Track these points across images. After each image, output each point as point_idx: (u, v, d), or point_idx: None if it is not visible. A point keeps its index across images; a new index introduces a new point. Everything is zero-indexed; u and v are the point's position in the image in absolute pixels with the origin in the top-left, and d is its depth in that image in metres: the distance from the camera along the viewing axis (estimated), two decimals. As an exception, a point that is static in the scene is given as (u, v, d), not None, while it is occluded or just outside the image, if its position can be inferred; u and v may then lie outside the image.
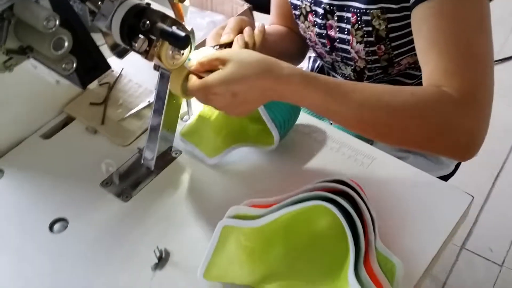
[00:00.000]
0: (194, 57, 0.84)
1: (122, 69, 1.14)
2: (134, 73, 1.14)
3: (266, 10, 1.30)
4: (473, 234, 1.90)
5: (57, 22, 0.65)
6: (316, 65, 1.31)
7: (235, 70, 0.77)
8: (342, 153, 0.96)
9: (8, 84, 0.97)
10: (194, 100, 0.85)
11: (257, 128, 0.95)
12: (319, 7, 1.04)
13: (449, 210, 0.87)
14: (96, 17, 0.75)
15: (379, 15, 0.95)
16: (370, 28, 0.97)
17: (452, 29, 0.82)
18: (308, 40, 1.14)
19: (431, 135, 0.81)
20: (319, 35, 1.08)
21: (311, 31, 1.09)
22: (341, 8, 1.00)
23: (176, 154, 0.98)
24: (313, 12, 1.06)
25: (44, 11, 0.64)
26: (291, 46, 1.19)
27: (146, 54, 0.78)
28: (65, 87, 0.89)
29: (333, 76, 1.19)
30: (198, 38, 1.46)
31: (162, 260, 0.83)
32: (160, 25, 0.76)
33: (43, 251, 0.86)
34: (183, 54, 0.83)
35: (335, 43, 1.06)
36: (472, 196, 0.88)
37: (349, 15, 0.99)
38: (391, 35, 0.97)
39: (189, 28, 0.81)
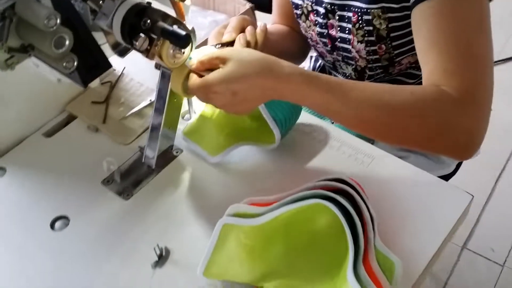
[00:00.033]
0: (195, 56, 0.84)
1: (124, 68, 1.14)
2: (136, 72, 1.14)
3: (268, 10, 1.30)
4: (474, 234, 1.90)
5: (58, 21, 0.66)
6: (318, 64, 1.32)
7: (235, 69, 0.78)
8: (343, 152, 0.96)
9: (11, 82, 0.97)
10: (195, 99, 0.86)
11: (258, 127, 0.95)
12: (320, 6, 1.04)
13: (449, 209, 0.87)
14: (97, 16, 0.76)
15: (380, 14, 0.95)
16: (371, 28, 0.97)
17: (452, 29, 0.82)
18: (309, 40, 1.15)
19: (430, 134, 0.81)
20: (320, 34, 1.08)
21: (312, 31, 1.10)
22: (342, 7, 1.00)
23: (177, 152, 0.98)
24: (314, 12, 1.06)
25: (45, 9, 0.65)
26: (292, 45, 1.19)
27: (147, 53, 0.78)
28: (67, 86, 0.89)
29: (334, 75, 1.19)
30: (200, 37, 1.46)
31: (162, 258, 0.83)
32: (161, 24, 0.77)
33: (44, 248, 0.86)
34: (184, 53, 0.83)
35: (336, 43, 1.06)
36: (472, 195, 0.89)
37: (350, 14, 0.99)
38: (391, 35, 0.97)
39: (190, 27, 0.81)
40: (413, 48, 0.91)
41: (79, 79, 0.76)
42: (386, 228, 0.82)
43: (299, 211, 0.77)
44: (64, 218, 0.90)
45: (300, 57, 1.26)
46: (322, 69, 1.29)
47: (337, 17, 1.02)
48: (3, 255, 0.86)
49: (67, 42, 0.69)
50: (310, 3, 1.06)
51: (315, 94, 0.80)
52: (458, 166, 1.24)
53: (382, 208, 0.86)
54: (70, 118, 1.08)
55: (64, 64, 0.70)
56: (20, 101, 1.01)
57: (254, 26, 0.94)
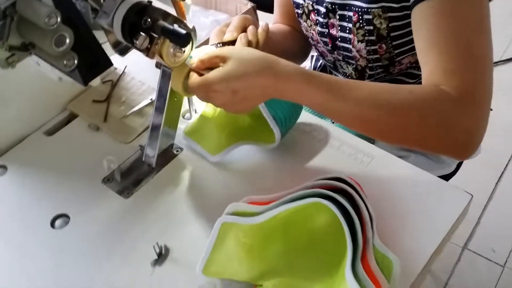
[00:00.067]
0: (195, 54, 0.84)
1: (125, 67, 1.15)
2: (137, 71, 1.15)
3: (270, 9, 1.31)
4: (475, 234, 1.89)
5: (59, 19, 0.66)
6: (319, 64, 1.32)
7: (235, 68, 0.78)
8: (342, 151, 0.96)
9: (12, 81, 0.98)
10: (195, 98, 0.86)
11: (259, 126, 0.96)
12: (321, 6, 1.04)
13: (448, 208, 0.87)
14: (98, 14, 0.76)
15: (380, 14, 0.95)
16: (371, 27, 0.98)
17: (451, 28, 0.83)
18: (310, 39, 1.15)
19: (430, 134, 0.81)
20: (321, 33, 1.08)
21: (313, 30, 1.10)
22: (343, 7, 1.00)
23: (177, 151, 0.99)
24: (315, 11, 1.06)
25: (46, 8, 0.65)
26: (294, 45, 1.20)
27: (147, 52, 0.79)
28: (68, 85, 0.90)
29: (335, 75, 1.19)
30: (202, 37, 1.46)
31: (162, 256, 0.83)
32: (162, 22, 0.77)
33: (45, 246, 0.87)
34: (184, 52, 0.83)
35: (337, 42, 1.06)
36: (471, 195, 0.89)
37: (351, 13, 0.99)
38: (392, 34, 0.97)
39: (190, 26, 0.81)
40: (414, 48, 0.91)
41: (80, 78, 0.76)
42: (385, 227, 0.82)
43: (298, 210, 0.77)
44: (64, 216, 0.91)
45: (301, 56, 1.26)
46: (323, 69, 1.29)
47: (337, 17, 1.02)
48: (3, 253, 0.86)
49: (67, 41, 0.70)
50: (311, 3, 1.06)
51: (315, 93, 0.80)
52: (459, 166, 1.24)
53: (381, 207, 0.86)
54: (71, 117, 1.08)
55: (65, 62, 0.71)
56: (21, 99, 1.02)
57: (256, 25, 0.95)
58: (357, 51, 1.03)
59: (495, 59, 2.47)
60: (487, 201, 1.98)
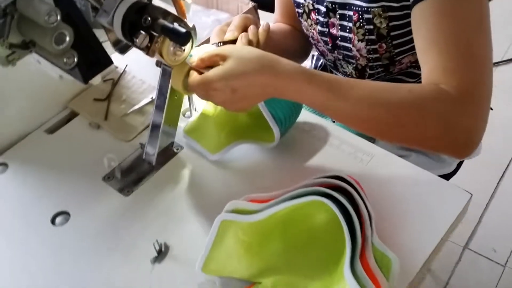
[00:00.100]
0: (196, 53, 0.85)
1: (126, 65, 1.15)
2: (138, 69, 1.15)
3: (271, 9, 1.31)
4: (476, 234, 1.89)
5: (59, 17, 0.66)
6: (319, 63, 1.32)
7: (235, 66, 0.78)
8: (342, 150, 0.97)
9: (13, 79, 0.98)
10: (196, 97, 0.86)
11: (258, 125, 0.96)
12: (322, 5, 1.05)
13: (448, 207, 0.87)
14: (98, 13, 0.76)
15: (380, 13, 0.95)
16: (371, 26, 0.98)
17: (451, 28, 0.83)
18: (310, 38, 1.15)
19: (429, 132, 0.81)
20: (321, 33, 1.09)
21: (314, 29, 1.10)
22: (343, 6, 1.01)
23: (177, 149, 0.99)
24: (316, 10, 1.07)
25: (46, 6, 0.65)
26: (294, 44, 1.20)
27: (147, 50, 0.79)
28: (69, 83, 0.90)
29: (335, 74, 1.19)
30: (203, 36, 1.46)
31: (161, 253, 0.84)
32: (161, 21, 0.77)
33: (45, 243, 0.87)
34: (184, 50, 0.84)
35: (337, 41, 1.06)
36: (471, 194, 0.89)
37: (351, 13, 0.99)
38: (392, 34, 0.98)
39: (190, 25, 0.82)
40: (414, 47, 0.91)
41: (80, 76, 0.77)
42: (384, 226, 0.83)
43: (297, 208, 0.77)
44: (65, 213, 0.91)
45: (302, 56, 1.26)
46: (324, 68, 1.29)
47: (338, 16, 1.02)
48: (4, 250, 0.87)
49: (67, 39, 0.70)
50: (311, 2, 1.07)
51: (314, 92, 0.80)
52: (459, 165, 1.24)
53: (381, 205, 0.86)
54: (72, 115, 1.08)
55: (65, 60, 0.71)
56: (22, 97, 1.02)
57: (257, 25, 0.95)
58: (357, 50, 1.03)
59: (496, 59, 2.47)
60: (488, 201, 1.98)
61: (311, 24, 1.10)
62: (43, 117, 1.07)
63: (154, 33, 0.78)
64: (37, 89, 1.03)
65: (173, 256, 0.84)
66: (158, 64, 0.87)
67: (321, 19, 1.06)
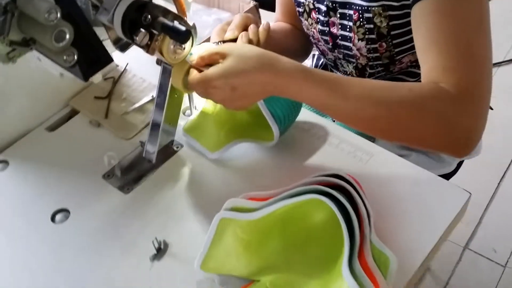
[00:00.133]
0: (196, 51, 0.85)
1: (127, 64, 1.16)
2: (139, 68, 1.15)
3: (272, 8, 1.31)
4: (476, 234, 1.89)
5: (59, 15, 0.67)
6: (320, 62, 1.32)
7: (234, 64, 0.78)
8: (341, 149, 0.97)
9: (14, 77, 0.99)
10: (196, 95, 0.87)
11: (258, 124, 0.96)
12: (322, 4, 1.05)
13: (447, 206, 0.87)
14: (99, 11, 0.77)
15: (380, 12, 0.95)
16: (371, 26, 0.98)
17: (451, 27, 0.83)
18: (311, 37, 1.15)
19: (428, 131, 0.81)
20: (321, 32, 1.09)
21: (314, 28, 1.10)
22: (344, 5, 1.01)
23: (177, 148, 0.99)
24: (316, 9, 1.07)
25: (46, 3, 0.66)
26: (295, 43, 1.20)
27: (147, 48, 0.79)
28: (70, 81, 0.91)
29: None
30: (204, 35, 1.47)
31: (161, 251, 0.84)
32: (162, 19, 0.77)
33: (45, 240, 0.87)
34: (184, 48, 0.84)
35: (337, 40, 1.06)
36: (470, 193, 0.89)
37: (351, 12, 0.99)
38: (392, 33, 0.98)
39: (191, 23, 0.82)
40: (414, 47, 0.91)
41: (80, 74, 0.77)
42: (383, 224, 0.83)
43: (296, 206, 0.77)
44: (64, 211, 0.91)
45: (302, 55, 1.26)
46: (324, 67, 1.29)
47: (338, 15, 1.02)
48: (5, 247, 0.87)
49: (67, 36, 0.70)
50: (311, 1, 1.07)
51: (314, 90, 0.80)
52: (459, 165, 1.24)
53: (380, 204, 0.86)
54: (73, 113, 1.09)
55: (65, 57, 0.71)
56: (23, 95, 1.03)
57: (257, 24, 0.95)
58: (358, 49, 1.03)
59: (498, 59, 2.47)
60: (488, 201, 1.97)
61: (312, 23, 1.10)
62: (43, 115, 1.07)
63: (154, 31, 0.78)
64: (38, 87, 1.03)
65: (172, 254, 0.84)
66: (158, 62, 0.88)
67: (322, 18, 1.06)
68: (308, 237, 0.80)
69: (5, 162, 1.00)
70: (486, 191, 2.00)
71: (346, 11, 1.01)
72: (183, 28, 0.77)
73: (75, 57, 0.73)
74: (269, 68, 0.79)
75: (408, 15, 0.92)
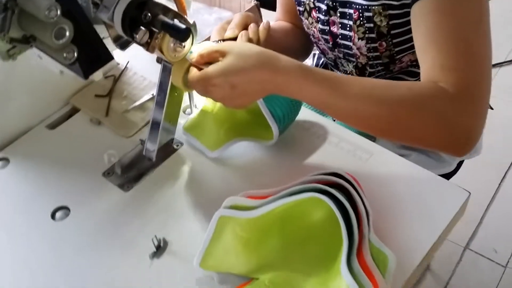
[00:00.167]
0: (196, 50, 0.85)
1: (128, 62, 1.16)
2: (140, 66, 1.16)
3: (273, 7, 1.31)
4: (477, 234, 1.89)
5: (59, 12, 0.67)
6: (321, 62, 1.32)
7: (234, 62, 0.78)
8: (341, 147, 0.97)
9: (16, 75, 0.99)
10: (196, 94, 0.87)
11: (257, 123, 0.96)
12: (322, 3, 1.05)
13: (446, 205, 0.87)
14: (99, 8, 0.77)
15: (380, 11, 0.96)
16: (371, 25, 0.98)
17: (450, 26, 0.83)
18: (311, 36, 1.15)
19: (427, 130, 0.82)
20: (322, 31, 1.09)
21: (314, 27, 1.10)
22: (344, 4, 1.01)
23: (177, 146, 0.99)
24: (317, 8, 1.07)
25: (46, 1, 0.66)
26: (295, 42, 1.20)
27: (147, 46, 0.79)
28: (71, 79, 0.91)
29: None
30: (205, 34, 1.47)
31: (160, 249, 0.84)
32: (162, 17, 0.78)
33: (45, 238, 0.87)
34: (184, 47, 0.84)
35: (338, 40, 1.06)
36: (469, 192, 0.89)
37: (351, 11, 1.00)
38: (392, 32, 0.98)
39: (191, 22, 0.82)
40: (414, 46, 0.91)
41: (81, 71, 0.77)
42: (382, 223, 0.83)
43: (295, 205, 0.77)
44: (65, 208, 0.91)
45: (303, 54, 1.27)
46: (325, 67, 1.29)
47: (338, 14, 1.02)
48: (5, 244, 0.88)
49: (67, 33, 0.70)
50: (312, 0, 1.07)
51: (313, 88, 0.80)
52: (459, 165, 1.24)
53: (379, 203, 0.86)
54: (74, 111, 1.09)
55: (64, 55, 0.72)
56: (24, 93, 1.03)
57: (258, 23, 0.95)
58: (358, 48, 1.04)
59: (500, 60, 2.47)
60: (489, 201, 1.97)
61: (312, 22, 1.10)
62: (44, 112, 1.07)
63: (154, 29, 0.79)
64: (39, 85, 1.04)
65: (171, 252, 0.84)
66: (158, 60, 0.88)
67: (322, 17, 1.06)
68: (307, 236, 0.80)
69: (6, 160, 1.00)
70: (487, 191, 2.00)
71: (346, 10, 1.01)
72: (183, 26, 0.77)
73: (75, 54, 0.73)
74: (269, 66, 0.79)
75: (408, 14, 0.92)
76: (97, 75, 0.83)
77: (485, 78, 0.83)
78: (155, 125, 0.94)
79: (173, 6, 0.85)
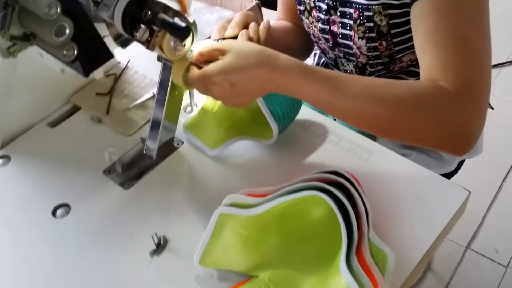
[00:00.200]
0: (196, 48, 0.85)
1: (129, 60, 1.16)
2: (141, 65, 1.16)
3: (274, 7, 1.31)
4: (478, 234, 1.89)
5: (59, 10, 0.67)
6: (321, 61, 1.32)
7: (234, 61, 0.79)
8: (341, 146, 0.97)
9: (17, 73, 0.99)
10: (197, 92, 0.87)
11: (257, 121, 0.96)
12: (323, 2, 1.05)
13: (445, 204, 0.87)
14: (99, 7, 0.77)
15: (380, 11, 0.96)
16: (371, 24, 0.98)
17: (450, 26, 0.83)
18: (312, 36, 1.16)
19: (426, 129, 0.82)
20: (322, 30, 1.09)
21: (315, 27, 1.11)
22: (344, 3, 1.01)
23: (178, 144, 1.00)
24: (317, 8, 1.07)
25: (46, -1, 0.66)
26: (296, 42, 1.20)
27: (147, 44, 0.80)
28: (72, 77, 0.91)
29: (336, 72, 1.19)
30: (206, 33, 1.47)
31: (160, 246, 0.84)
32: (162, 15, 0.78)
33: (46, 235, 0.88)
34: (184, 45, 0.84)
35: (338, 39, 1.07)
36: (469, 191, 0.89)
37: (352, 10, 1.00)
38: (392, 31, 0.98)
39: (191, 21, 0.82)
40: (414, 45, 0.92)
41: (81, 69, 0.78)
42: (382, 222, 0.83)
43: (294, 203, 0.78)
44: (65, 206, 0.92)
45: (304, 53, 1.27)
46: (326, 66, 1.29)
47: (338, 13, 1.03)
48: (6, 241, 0.88)
49: (67, 31, 0.71)
50: (312, 0, 1.07)
51: (313, 87, 0.80)
52: (460, 165, 1.24)
53: (379, 202, 0.86)
54: (75, 109, 1.09)
55: (64, 52, 0.72)
56: (27, 91, 1.03)
57: (258, 22, 0.95)
58: (358, 48, 1.04)
59: (502, 60, 2.46)
60: (491, 201, 1.97)
61: (312, 22, 1.10)
62: (45, 110, 1.08)
63: (155, 27, 0.79)
64: (40, 83, 1.04)
65: (171, 249, 0.85)
66: (159, 59, 0.88)
67: (322, 16, 1.06)
68: (306, 234, 0.81)
69: (7, 157, 1.01)
70: (488, 191, 2.00)
71: (346, 9, 1.01)
72: (183, 24, 0.77)
73: (75, 52, 0.73)
74: (268, 65, 0.80)
75: (408, 13, 0.92)
76: (98, 74, 0.84)
77: (484, 77, 0.84)
78: (155, 124, 0.94)
79: (174, 5, 0.86)
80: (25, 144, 1.03)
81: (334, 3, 1.02)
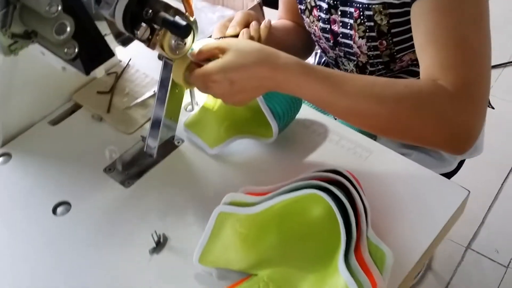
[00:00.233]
0: (197, 47, 0.86)
1: (130, 59, 1.16)
2: (142, 63, 1.16)
3: (276, 6, 1.32)
4: (479, 234, 1.89)
5: (60, 8, 0.68)
6: (322, 60, 1.32)
7: (233, 59, 0.79)
8: (341, 145, 0.97)
9: (18, 71, 0.99)
10: (198, 91, 0.87)
11: (257, 120, 0.97)
12: (323, 1, 1.05)
13: (445, 204, 0.87)
14: (100, 5, 0.77)
15: (381, 10, 0.96)
16: (372, 23, 0.98)
17: (450, 25, 0.83)
18: (312, 35, 1.16)
19: (426, 128, 0.82)
20: (323, 29, 1.09)
21: (316, 26, 1.11)
22: (345, 2, 1.01)
23: (178, 143, 1.00)
24: (318, 7, 1.07)
25: (47, -4, 0.67)
26: (297, 41, 1.21)
27: (148, 43, 0.80)
28: (73, 76, 0.92)
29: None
30: (208, 32, 1.48)
31: (160, 244, 0.84)
32: (163, 14, 0.78)
33: (46, 233, 0.88)
34: (185, 44, 0.84)
35: (338, 38, 1.07)
36: (468, 191, 0.89)
37: (352, 10, 1.00)
38: (392, 31, 0.98)
39: (192, 19, 0.82)
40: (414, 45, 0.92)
41: (82, 67, 0.78)
42: (381, 221, 0.83)
43: (294, 201, 0.78)
44: (66, 203, 0.92)
45: (305, 53, 1.27)
46: (326, 65, 1.29)
47: (339, 13, 1.03)
48: (6, 238, 0.88)
49: (68, 29, 0.71)
50: (313, -1, 1.07)
51: (312, 85, 0.80)
52: (460, 164, 1.24)
53: (378, 201, 0.86)
54: (76, 107, 1.10)
55: (65, 50, 0.72)
56: (28, 89, 1.03)
57: (259, 21, 0.95)
58: (358, 47, 1.04)
59: (503, 60, 2.46)
60: (491, 201, 1.97)
61: (313, 21, 1.10)
62: (47, 108, 1.08)
63: (155, 26, 0.79)
64: (42, 81, 1.04)
65: (171, 247, 0.85)
66: (160, 57, 0.88)
67: (323, 15, 1.06)
68: (305, 232, 0.81)
69: (8, 155, 1.01)
70: (489, 191, 1.99)
71: (347, 8, 1.01)
72: (183, 23, 0.77)
73: (76, 49, 0.73)
74: (268, 63, 0.80)
75: (408, 13, 0.92)
76: (99, 72, 0.84)
77: (484, 77, 0.84)
78: (156, 122, 0.94)
79: (180, 6, 0.86)
80: (26, 142, 1.04)
81: (335, 2, 1.02)
